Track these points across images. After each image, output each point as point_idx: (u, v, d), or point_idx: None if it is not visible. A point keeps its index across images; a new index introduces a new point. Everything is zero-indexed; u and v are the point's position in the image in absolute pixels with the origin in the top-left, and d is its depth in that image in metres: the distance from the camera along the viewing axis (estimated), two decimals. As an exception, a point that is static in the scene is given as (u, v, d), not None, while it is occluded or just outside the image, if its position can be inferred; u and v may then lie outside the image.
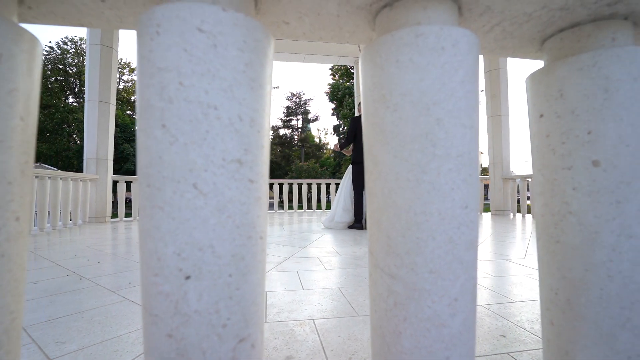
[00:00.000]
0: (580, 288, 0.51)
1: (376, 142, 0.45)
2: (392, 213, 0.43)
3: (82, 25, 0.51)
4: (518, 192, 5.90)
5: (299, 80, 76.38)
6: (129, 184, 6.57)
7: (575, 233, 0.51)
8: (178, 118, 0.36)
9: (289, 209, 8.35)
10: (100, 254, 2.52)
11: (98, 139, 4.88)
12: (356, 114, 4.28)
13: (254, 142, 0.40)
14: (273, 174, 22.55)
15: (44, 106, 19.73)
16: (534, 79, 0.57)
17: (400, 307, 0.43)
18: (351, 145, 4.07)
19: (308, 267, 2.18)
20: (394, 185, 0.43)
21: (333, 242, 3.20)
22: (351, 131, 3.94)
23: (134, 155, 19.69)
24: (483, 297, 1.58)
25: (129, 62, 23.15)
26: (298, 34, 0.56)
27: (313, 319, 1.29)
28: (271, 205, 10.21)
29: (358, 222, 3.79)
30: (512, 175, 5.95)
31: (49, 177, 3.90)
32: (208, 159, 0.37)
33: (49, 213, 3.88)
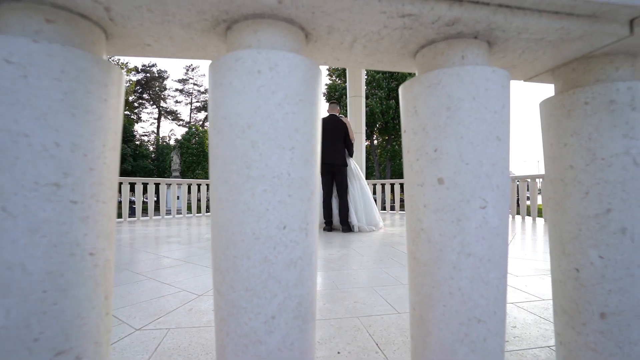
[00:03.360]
0: (429, 304, 0.51)
1: (210, 164, 0.47)
2: (217, 232, 0.45)
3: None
4: (518, 193, 5.78)
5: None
6: (132, 185, 6.70)
7: (426, 250, 0.51)
8: (-12, 145, 0.39)
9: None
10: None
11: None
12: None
13: (76, 165, 0.42)
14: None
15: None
16: (401, 94, 0.58)
17: (224, 323, 0.44)
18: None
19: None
20: (218, 205, 0.45)
21: (315, 244, 3.20)
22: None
23: (131, 155, 20.00)
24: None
25: (127, 63, 23.55)
26: (167, 53, 0.57)
27: (266, 323, 1.30)
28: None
29: (344, 223, 3.78)
30: (511, 176, 5.84)
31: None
32: (18, 183, 0.39)
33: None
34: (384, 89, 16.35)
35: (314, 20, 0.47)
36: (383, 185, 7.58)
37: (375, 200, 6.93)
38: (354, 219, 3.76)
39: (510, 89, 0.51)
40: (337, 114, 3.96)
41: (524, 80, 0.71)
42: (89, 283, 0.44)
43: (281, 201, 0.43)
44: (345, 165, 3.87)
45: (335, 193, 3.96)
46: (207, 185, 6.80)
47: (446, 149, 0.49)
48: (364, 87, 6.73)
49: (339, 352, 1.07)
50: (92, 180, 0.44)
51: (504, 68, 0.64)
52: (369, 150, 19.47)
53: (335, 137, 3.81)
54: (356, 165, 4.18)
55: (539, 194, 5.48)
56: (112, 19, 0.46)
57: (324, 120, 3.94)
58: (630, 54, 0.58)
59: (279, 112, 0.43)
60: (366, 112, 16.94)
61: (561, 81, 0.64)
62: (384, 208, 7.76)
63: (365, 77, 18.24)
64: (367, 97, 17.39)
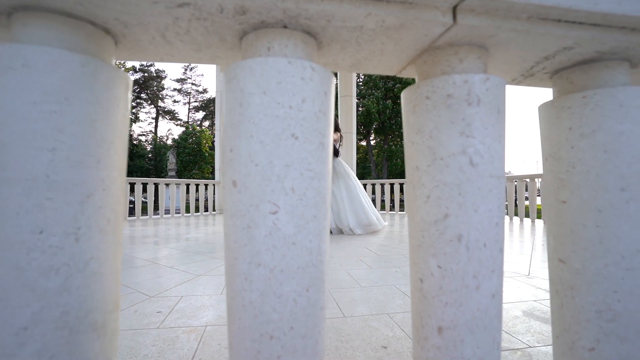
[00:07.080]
0: (229, 317, 0.47)
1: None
2: (-21, 237, 0.43)
3: None
4: (516, 193, 5.57)
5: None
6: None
7: (227, 258, 0.48)
8: None
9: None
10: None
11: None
12: None
13: None
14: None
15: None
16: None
17: (-14, 333, 0.42)
18: None
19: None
20: (-20, 209, 0.42)
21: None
22: None
23: (127, 155, 20.52)
24: (397, 304, 1.51)
25: (124, 62, 24.09)
26: None
27: (206, 326, 1.28)
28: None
29: None
30: (508, 175, 5.64)
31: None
32: None
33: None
34: (381, 89, 16.13)
35: (96, 14, 0.45)
36: (383, 185, 7.47)
37: (374, 200, 6.82)
38: (331, 221, 3.68)
39: (321, 82, 0.47)
40: None
41: (395, 75, 0.66)
42: None
43: (37, 204, 0.41)
44: None
45: None
46: (205, 185, 6.89)
47: (239, 149, 0.45)
48: (354, 87, 6.65)
49: (262, 358, 1.04)
50: None
51: (355, 62, 0.60)
52: (366, 150, 19.21)
53: None
54: (343, 163, 4.10)
55: (538, 195, 5.27)
56: None
57: None
58: (476, 45, 0.52)
59: (34, 110, 0.41)
60: (363, 112, 16.74)
61: (418, 74, 0.59)
62: (382, 208, 7.65)
63: (363, 77, 18.08)
64: (363, 97, 17.17)
